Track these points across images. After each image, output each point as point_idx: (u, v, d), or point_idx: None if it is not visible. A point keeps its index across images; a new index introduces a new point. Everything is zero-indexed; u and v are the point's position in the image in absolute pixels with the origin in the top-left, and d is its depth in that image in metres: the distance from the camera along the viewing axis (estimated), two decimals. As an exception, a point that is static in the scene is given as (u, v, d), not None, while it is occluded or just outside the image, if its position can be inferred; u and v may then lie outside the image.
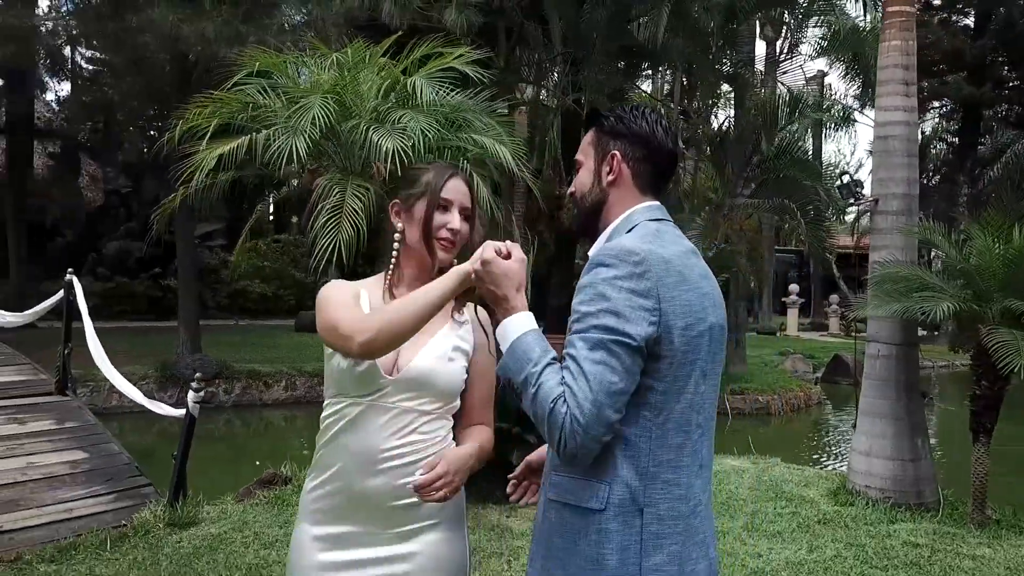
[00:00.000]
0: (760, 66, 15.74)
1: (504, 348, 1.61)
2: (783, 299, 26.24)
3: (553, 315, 16.89)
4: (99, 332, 15.72)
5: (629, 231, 1.67)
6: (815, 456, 10.60)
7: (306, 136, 4.49)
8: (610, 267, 1.53)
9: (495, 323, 1.70)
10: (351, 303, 1.86)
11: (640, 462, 1.54)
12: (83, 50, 20.09)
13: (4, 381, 7.50)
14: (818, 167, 12.66)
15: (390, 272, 1.95)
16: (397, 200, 1.93)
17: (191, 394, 5.39)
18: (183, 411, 5.47)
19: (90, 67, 21.26)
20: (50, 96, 26.13)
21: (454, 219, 1.90)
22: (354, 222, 4.62)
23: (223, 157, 4.70)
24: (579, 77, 12.79)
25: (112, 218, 22.31)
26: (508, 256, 1.67)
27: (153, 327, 18.21)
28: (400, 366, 1.83)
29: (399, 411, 1.82)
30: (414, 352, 1.84)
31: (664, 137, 1.72)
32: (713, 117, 14.32)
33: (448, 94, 5.51)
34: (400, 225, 1.92)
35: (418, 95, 4.92)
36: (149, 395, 10.86)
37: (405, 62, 5.40)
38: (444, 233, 1.89)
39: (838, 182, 13.34)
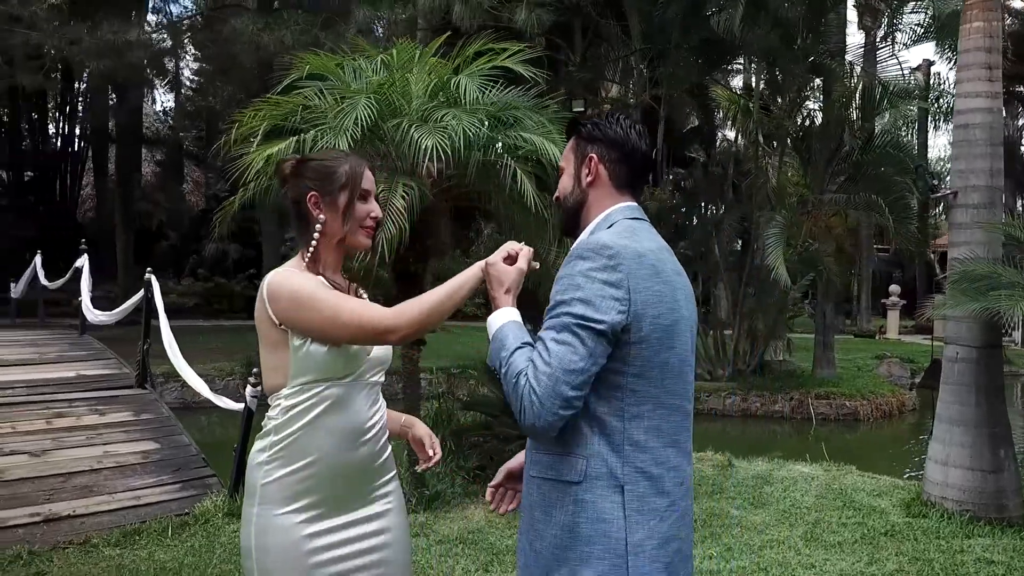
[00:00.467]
0: (856, 56, 15.07)
1: (490, 339, 1.78)
2: (883, 301, 25.01)
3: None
4: (198, 330, 16.48)
5: (609, 228, 1.79)
6: (900, 466, 10.03)
7: (348, 136, 4.55)
8: (586, 259, 1.67)
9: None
10: (340, 294, 1.96)
11: (614, 439, 1.66)
12: (187, 62, 21.19)
13: (90, 375, 7.97)
14: (907, 160, 11.97)
15: (310, 260, 2.00)
16: (315, 192, 1.99)
17: (248, 389, 5.58)
18: (242, 405, 5.66)
19: (192, 78, 22.48)
20: (157, 106, 27.73)
21: (375, 207, 2.07)
22: (398, 221, 4.66)
23: (273, 158, 4.81)
24: (656, 72, 12.57)
25: (212, 221, 23.42)
26: (514, 259, 1.84)
27: (248, 325, 18.86)
28: (370, 347, 2.01)
29: (371, 385, 2.02)
30: None
31: (638, 140, 1.86)
32: (800, 110, 13.68)
33: (498, 92, 5.49)
34: (322, 216, 1.99)
35: (463, 93, 4.92)
36: (235, 391, 11.33)
37: (457, 60, 5.41)
38: (369, 221, 2.05)
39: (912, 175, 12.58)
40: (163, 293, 19.66)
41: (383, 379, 2.08)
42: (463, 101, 4.88)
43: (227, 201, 5.58)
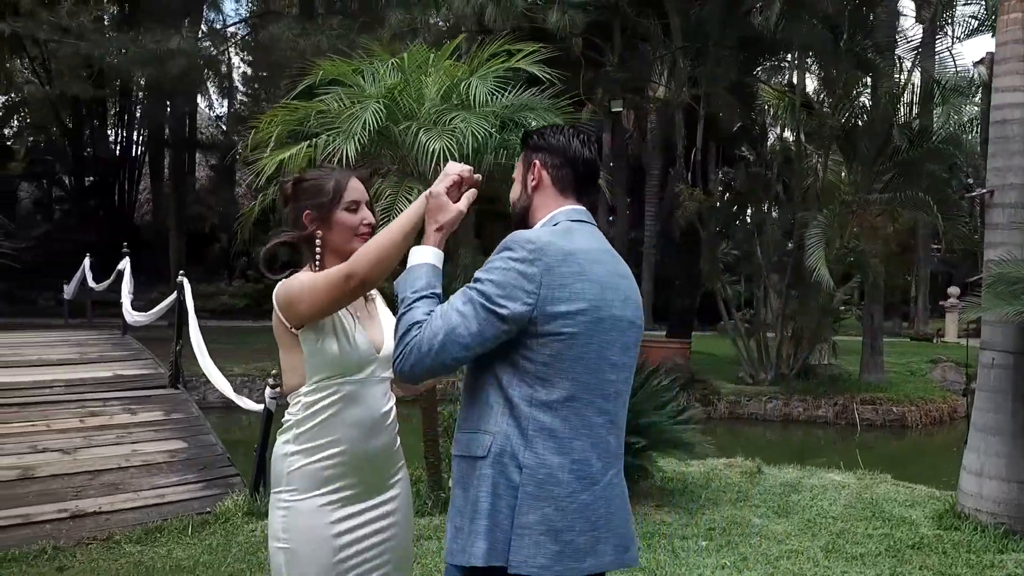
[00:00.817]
0: (906, 50, 14.59)
1: (406, 267, 1.88)
2: (941, 303, 24.17)
3: (676, 316, 16.47)
4: (247, 330, 16.85)
5: (554, 227, 1.89)
6: (942, 475, 9.67)
7: (356, 140, 4.58)
8: (511, 250, 1.78)
9: None
10: (317, 272, 2.12)
11: (521, 422, 1.75)
12: (240, 68, 21.63)
13: (126, 375, 8.20)
14: (958, 157, 11.53)
15: (319, 271, 2.13)
16: (309, 210, 2.15)
17: (268, 391, 5.66)
18: (262, 406, 5.74)
19: (244, 84, 23.00)
20: (213, 112, 28.44)
21: (367, 215, 2.19)
22: (402, 224, 4.66)
23: (285, 163, 4.86)
24: (696, 71, 12.37)
25: (263, 224, 23.88)
26: (460, 187, 1.90)
27: (294, 326, 19.30)
28: (379, 345, 2.17)
29: (381, 380, 2.17)
30: (387, 333, 2.19)
31: (580, 148, 1.96)
32: (847, 108, 13.26)
33: (516, 93, 5.46)
34: (319, 232, 2.15)
35: (473, 96, 4.90)
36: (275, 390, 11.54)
37: (474, 62, 5.40)
38: (363, 229, 2.17)
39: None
40: (214, 295, 20.04)
41: (390, 374, 2.22)
42: (473, 103, 4.86)
43: (247, 208, 5.67)
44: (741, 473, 6.95)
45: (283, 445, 2.12)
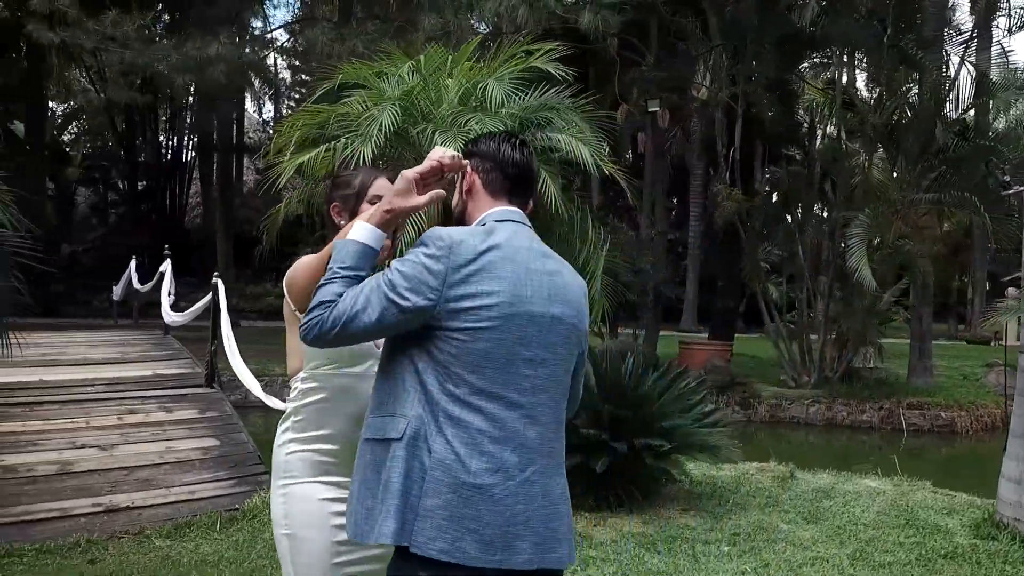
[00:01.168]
0: (955, 45, 14.13)
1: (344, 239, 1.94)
2: (998, 304, 23.34)
3: (718, 317, 16.27)
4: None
5: (479, 227, 1.94)
6: (987, 483, 9.35)
7: (373, 142, 4.62)
8: (425, 245, 1.82)
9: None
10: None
11: (433, 409, 1.80)
12: (282, 75, 22.05)
13: (164, 374, 8.40)
14: (1007, 154, 11.09)
15: None
16: (336, 203, 2.27)
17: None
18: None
19: (289, 89, 23.45)
20: (259, 117, 29.03)
21: None
22: (414, 223, 4.70)
23: (304, 166, 4.94)
24: (734, 69, 12.18)
25: (307, 226, 24.30)
26: (427, 180, 1.92)
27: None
28: (380, 343, 2.15)
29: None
30: None
31: (510, 151, 2.01)
32: (891, 104, 12.89)
33: (539, 93, 5.47)
34: (343, 223, 2.22)
35: (489, 97, 4.91)
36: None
37: (495, 63, 5.42)
38: None
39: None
40: (261, 296, 20.38)
41: None
42: (489, 105, 4.88)
43: (274, 208, 5.76)
44: (773, 478, 6.81)
45: (282, 434, 2.19)
